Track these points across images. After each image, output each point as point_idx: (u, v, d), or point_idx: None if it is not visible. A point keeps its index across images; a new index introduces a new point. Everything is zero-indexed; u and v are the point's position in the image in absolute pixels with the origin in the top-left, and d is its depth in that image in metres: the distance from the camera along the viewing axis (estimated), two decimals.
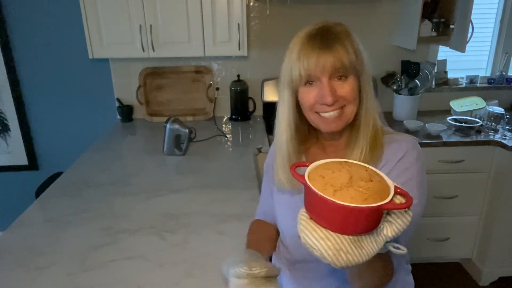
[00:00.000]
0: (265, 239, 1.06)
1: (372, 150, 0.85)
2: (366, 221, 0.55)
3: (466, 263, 2.43)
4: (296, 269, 1.00)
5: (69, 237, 1.28)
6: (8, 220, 1.51)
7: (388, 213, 0.58)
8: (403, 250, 0.61)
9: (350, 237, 0.55)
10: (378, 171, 0.60)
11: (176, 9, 2.07)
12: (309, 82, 0.83)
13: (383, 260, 0.73)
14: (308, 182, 0.56)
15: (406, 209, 0.57)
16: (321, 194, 0.54)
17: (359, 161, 0.83)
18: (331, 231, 0.55)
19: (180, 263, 1.13)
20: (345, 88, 0.81)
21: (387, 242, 0.61)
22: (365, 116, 0.85)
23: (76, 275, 1.09)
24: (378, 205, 0.53)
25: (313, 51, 0.79)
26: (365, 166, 0.60)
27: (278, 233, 1.08)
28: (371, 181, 0.57)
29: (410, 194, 0.80)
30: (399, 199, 0.57)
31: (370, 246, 0.57)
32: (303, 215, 0.58)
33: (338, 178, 0.57)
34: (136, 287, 1.04)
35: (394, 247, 0.62)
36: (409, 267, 1.03)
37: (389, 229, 0.58)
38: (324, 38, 0.80)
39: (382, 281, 0.76)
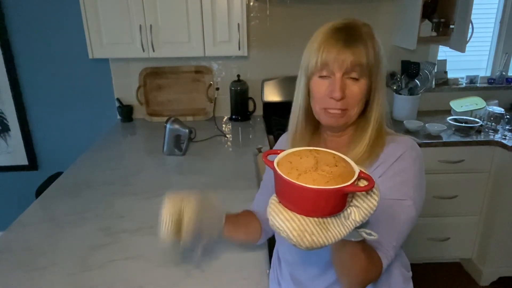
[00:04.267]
0: (245, 222, 1.08)
1: (372, 149, 0.86)
2: (328, 203, 0.56)
3: (466, 263, 2.43)
4: (294, 268, 1.01)
5: (69, 237, 1.28)
6: (8, 220, 1.50)
7: (354, 198, 0.60)
8: (374, 236, 0.63)
9: (316, 219, 0.57)
10: (346, 158, 0.62)
11: (176, 9, 2.07)
12: (323, 75, 0.83)
13: (365, 251, 0.73)
14: (276, 166, 0.59)
15: (371, 192, 0.59)
16: (285, 176, 0.56)
17: (356, 158, 0.84)
18: (297, 213, 0.57)
19: (180, 263, 1.12)
20: (355, 89, 0.82)
21: (358, 228, 0.62)
22: (374, 120, 0.86)
23: (76, 275, 1.09)
24: (338, 187, 0.54)
25: (336, 44, 0.80)
26: (333, 153, 0.62)
27: (257, 225, 1.09)
28: (336, 166, 0.59)
29: (405, 196, 0.81)
30: (363, 183, 0.59)
31: (337, 229, 0.59)
32: (273, 199, 0.60)
33: (304, 163, 0.59)
34: (136, 287, 1.04)
35: (366, 233, 0.64)
36: (409, 274, 1.01)
37: (357, 213, 0.59)
38: (348, 34, 0.81)
39: (368, 274, 0.76)
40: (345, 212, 0.59)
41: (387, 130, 0.91)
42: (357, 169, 0.59)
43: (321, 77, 0.84)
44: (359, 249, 0.71)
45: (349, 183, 0.55)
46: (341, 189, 0.55)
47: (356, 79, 0.82)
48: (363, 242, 0.70)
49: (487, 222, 2.22)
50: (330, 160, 0.60)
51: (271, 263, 1.15)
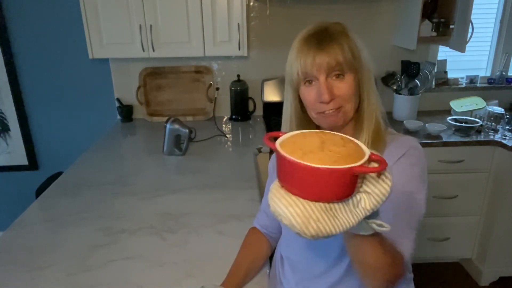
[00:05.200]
0: (248, 265, 1.05)
1: (375, 144, 0.86)
2: (336, 186, 0.51)
3: (466, 263, 2.43)
4: (297, 267, 1.01)
5: (69, 237, 1.28)
6: (8, 220, 1.51)
7: (364, 183, 0.55)
8: (386, 227, 0.59)
9: (322, 204, 0.53)
10: (355, 140, 0.57)
11: (176, 9, 2.07)
12: (308, 81, 0.84)
13: (385, 246, 0.70)
14: (278, 146, 0.54)
15: (383, 177, 0.55)
16: (288, 156, 0.51)
17: None
18: (302, 198, 0.52)
19: (180, 263, 1.13)
20: (342, 87, 0.83)
21: (368, 218, 0.58)
22: (368, 111, 0.86)
23: (76, 275, 1.09)
24: (347, 167, 0.49)
25: (309, 51, 0.81)
26: (341, 135, 0.57)
27: (268, 249, 1.10)
28: (344, 147, 0.54)
29: (416, 189, 0.81)
30: (374, 165, 0.54)
31: (345, 216, 0.54)
32: (275, 184, 0.56)
33: (309, 143, 0.54)
34: (136, 287, 1.04)
35: (377, 224, 0.59)
36: (411, 275, 1.02)
37: (367, 201, 0.55)
38: (320, 38, 0.82)
39: (393, 270, 0.72)
40: (354, 199, 0.55)
41: (389, 130, 0.92)
42: (367, 150, 0.54)
43: (306, 84, 0.85)
44: (378, 244, 0.67)
45: (359, 162, 0.50)
46: (350, 169, 0.49)
47: (341, 77, 0.82)
48: (381, 236, 0.67)
49: (487, 222, 2.22)
50: (338, 141, 0.55)
51: (272, 263, 1.15)
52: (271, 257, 1.15)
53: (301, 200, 0.52)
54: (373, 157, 0.54)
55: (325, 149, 0.53)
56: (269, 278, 1.08)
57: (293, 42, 0.87)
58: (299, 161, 0.50)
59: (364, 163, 0.51)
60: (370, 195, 0.55)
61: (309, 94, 0.85)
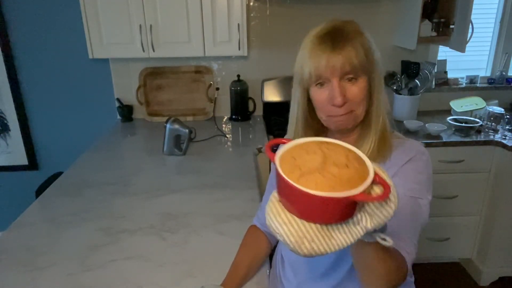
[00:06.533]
0: (248, 264, 1.05)
1: (381, 145, 0.86)
2: (332, 211, 0.49)
3: (466, 263, 2.43)
4: (298, 269, 1.01)
5: (69, 237, 1.28)
6: (8, 220, 1.51)
7: (367, 203, 0.53)
8: (389, 242, 0.57)
9: (317, 225, 0.52)
10: (362, 156, 0.54)
11: (176, 9, 2.07)
12: (320, 83, 0.83)
13: (389, 251, 0.69)
14: (277, 161, 0.52)
15: (388, 200, 0.53)
16: (285, 177, 0.50)
17: (366, 155, 0.83)
18: (296, 217, 0.51)
19: (180, 263, 1.13)
20: (355, 90, 0.81)
21: (373, 232, 0.57)
22: (376, 113, 0.85)
23: (76, 275, 1.09)
24: (343, 196, 0.47)
25: (324, 52, 0.79)
26: (347, 150, 0.54)
27: (267, 247, 1.10)
28: (347, 167, 0.51)
29: (421, 195, 0.81)
30: (376, 190, 0.52)
31: (342, 236, 0.53)
32: (274, 196, 0.56)
33: (309, 161, 0.52)
34: (136, 287, 1.04)
35: (380, 238, 0.58)
36: (412, 279, 1.01)
37: (369, 221, 0.53)
38: (334, 39, 0.79)
39: (393, 276, 0.72)
40: (355, 218, 0.53)
41: (395, 133, 0.92)
42: (372, 172, 0.51)
43: (318, 85, 0.83)
44: (381, 250, 0.65)
45: (357, 192, 0.48)
46: (346, 198, 0.47)
47: (354, 80, 0.81)
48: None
49: (487, 222, 2.22)
50: (341, 160, 0.52)
51: (272, 263, 1.15)
52: (271, 257, 1.15)
53: (296, 219, 0.52)
54: (377, 179, 0.51)
55: (325, 170, 0.50)
56: (269, 278, 1.08)
57: (304, 40, 0.84)
58: (294, 184, 0.49)
59: (365, 189, 0.49)
60: (372, 216, 0.54)
61: (320, 96, 0.83)
